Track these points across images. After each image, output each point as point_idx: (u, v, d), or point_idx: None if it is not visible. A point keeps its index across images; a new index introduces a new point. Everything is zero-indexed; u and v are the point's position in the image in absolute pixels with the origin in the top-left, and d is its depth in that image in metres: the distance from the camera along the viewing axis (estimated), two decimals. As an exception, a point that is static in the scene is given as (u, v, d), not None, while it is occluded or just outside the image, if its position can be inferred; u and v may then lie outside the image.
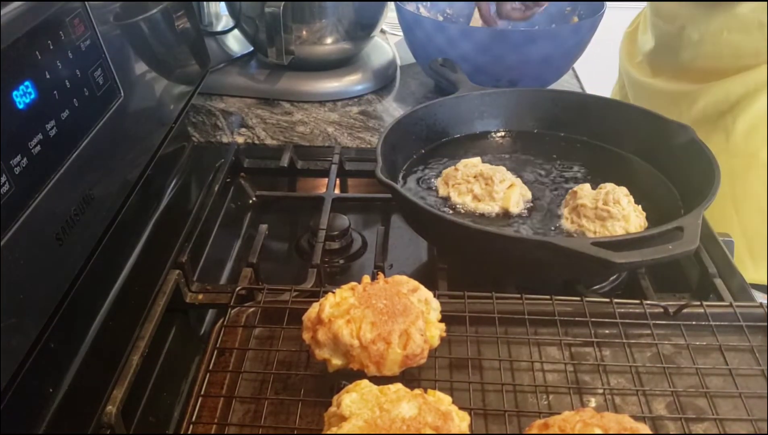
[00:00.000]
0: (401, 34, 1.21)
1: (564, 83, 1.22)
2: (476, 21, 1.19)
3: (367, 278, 0.57)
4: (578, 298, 0.62)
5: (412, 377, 0.55)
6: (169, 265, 0.70)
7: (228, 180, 0.93)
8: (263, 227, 0.77)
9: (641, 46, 1.26)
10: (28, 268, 0.47)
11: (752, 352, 0.58)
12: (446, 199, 0.76)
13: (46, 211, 0.49)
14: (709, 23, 1.06)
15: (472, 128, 0.91)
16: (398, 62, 1.28)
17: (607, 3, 1.12)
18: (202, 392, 0.55)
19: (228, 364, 0.58)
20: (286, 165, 0.94)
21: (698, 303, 0.62)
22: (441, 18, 1.25)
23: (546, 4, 1.14)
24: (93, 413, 0.54)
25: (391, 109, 1.13)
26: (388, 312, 0.53)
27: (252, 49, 1.21)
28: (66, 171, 0.52)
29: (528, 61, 1.05)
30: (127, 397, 0.55)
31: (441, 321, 0.57)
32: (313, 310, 0.56)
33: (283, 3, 1.03)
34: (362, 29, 1.16)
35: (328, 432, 0.47)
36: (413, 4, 1.21)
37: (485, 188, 0.75)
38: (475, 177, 0.75)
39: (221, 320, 0.61)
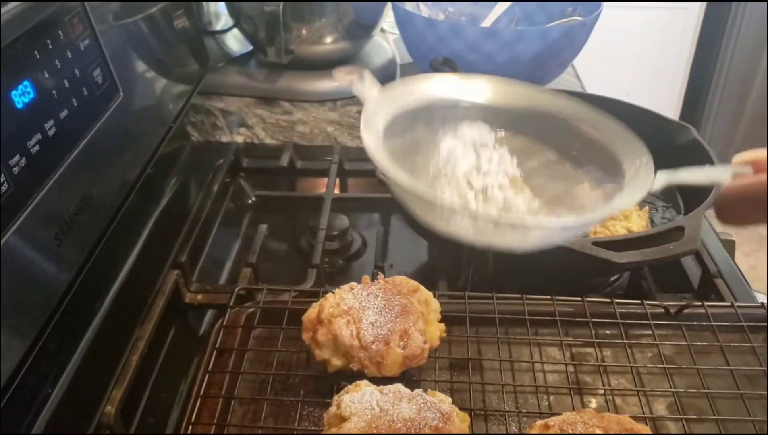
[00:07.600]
0: (401, 33, 1.21)
1: (564, 83, 1.22)
2: (487, 21, 1.18)
3: (367, 278, 0.57)
4: (579, 299, 0.62)
5: (412, 377, 0.55)
6: (168, 265, 0.70)
7: (227, 180, 0.93)
8: (263, 227, 0.77)
9: None
10: (27, 268, 0.47)
11: (753, 352, 0.58)
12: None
13: (46, 211, 0.49)
14: None
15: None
16: (398, 61, 1.28)
17: (606, 3, 1.12)
18: (202, 393, 0.54)
19: (227, 364, 0.58)
20: (285, 165, 0.94)
21: (699, 303, 0.62)
22: (442, 16, 1.24)
23: None
24: (92, 413, 0.54)
25: (391, 109, 1.13)
26: (388, 312, 0.53)
27: (251, 48, 1.21)
28: (65, 171, 0.52)
29: (518, 60, 1.04)
30: (127, 397, 0.55)
31: (441, 321, 0.57)
32: (312, 311, 0.55)
33: (282, 2, 1.02)
34: (362, 28, 1.16)
35: (328, 432, 0.47)
36: (413, 3, 1.21)
37: (485, 188, 0.74)
38: (475, 177, 0.75)
39: (220, 320, 0.61)
